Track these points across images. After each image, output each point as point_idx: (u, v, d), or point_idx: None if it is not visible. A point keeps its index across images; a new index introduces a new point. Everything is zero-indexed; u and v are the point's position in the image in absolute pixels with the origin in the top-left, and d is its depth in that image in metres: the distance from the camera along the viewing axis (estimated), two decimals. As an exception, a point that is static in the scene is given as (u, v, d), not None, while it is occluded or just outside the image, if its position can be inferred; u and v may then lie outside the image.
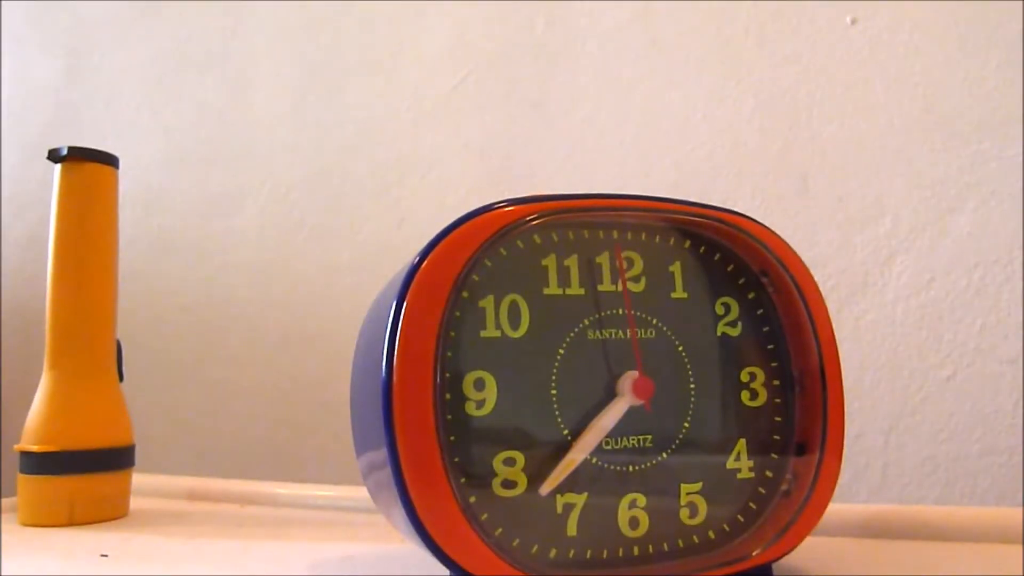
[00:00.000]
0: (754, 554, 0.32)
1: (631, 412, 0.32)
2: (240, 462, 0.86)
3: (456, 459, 0.29)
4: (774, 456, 0.34)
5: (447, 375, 0.29)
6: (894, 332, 0.65)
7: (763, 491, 0.34)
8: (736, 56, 0.71)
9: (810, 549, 0.40)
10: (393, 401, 0.28)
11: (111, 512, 0.51)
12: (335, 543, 0.45)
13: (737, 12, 0.72)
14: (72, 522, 0.49)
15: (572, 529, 0.31)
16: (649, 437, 0.32)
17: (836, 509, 0.45)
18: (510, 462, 0.30)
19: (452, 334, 0.30)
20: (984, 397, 0.62)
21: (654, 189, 0.55)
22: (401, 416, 0.28)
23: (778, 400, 0.34)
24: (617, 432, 0.31)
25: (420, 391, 0.28)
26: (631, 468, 0.32)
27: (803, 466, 0.34)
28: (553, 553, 0.30)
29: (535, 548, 0.30)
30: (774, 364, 0.35)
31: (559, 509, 0.31)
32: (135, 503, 0.54)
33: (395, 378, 0.28)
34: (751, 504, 0.33)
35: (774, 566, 0.33)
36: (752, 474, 0.34)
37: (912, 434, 0.64)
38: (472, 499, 0.29)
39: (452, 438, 0.29)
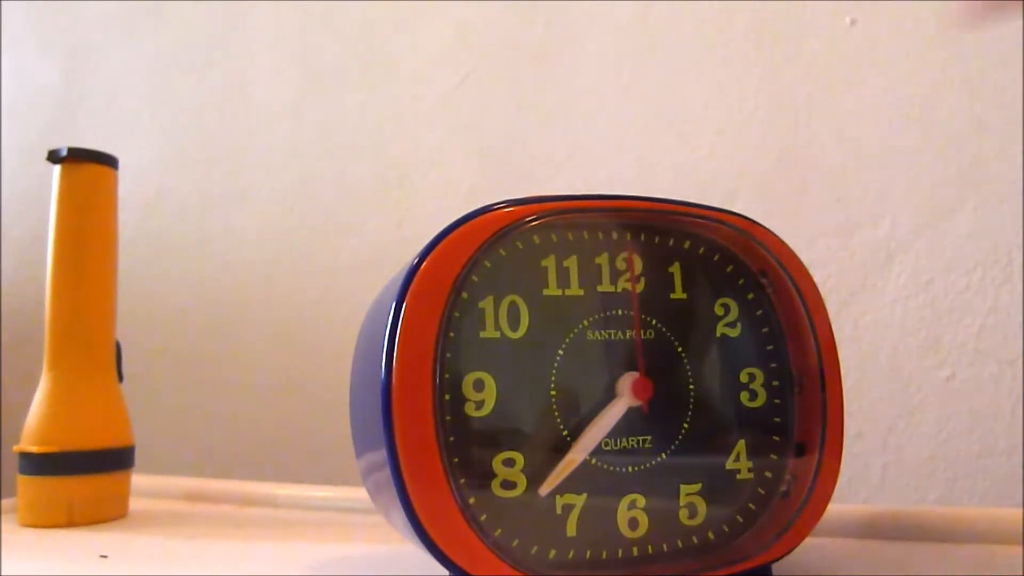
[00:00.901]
0: (753, 555, 0.32)
1: (630, 413, 0.32)
2: (239, 463, 0.86)
3: (456, 460, 0.29)
4: (773, 457, 0.34)
5: (446, 376, 0.29)
6: (893, 333, 0.65)
7: (762, 492, 0.34)
8: (736, 56, 0.71)
9: (810, 550, 0.40)
10: (392, 402, 0.28)
11: (110, 513, 0.51)
12: (334, 544, 0.45)
13: (737, 13, 0.72)
14: (71, 523, 0.49)
15: (571, 530, 0.31)
16: (648, 438, 0.32)
17: (836, 509, 0.46)
18: (509, 463, 0.30)
19: (451, 335, 0.30)
20: (983, 398, 0.62)
21: (654, 189, 0.55)
22: (400, 417, 0.28)
23: (777, 401, 0.34)
24: (616, 433, 0.31)
25: (419, 392, 0.28)
26: (630, 469, 0.32)
27: (802, 467, 0.33)
28: (552, 554, 0.30)
29: (534, 549, 0.30)
30: (773, 365, 0.35)
31: (558, 510, 0.31)
32: (134, 504, 0.54)
33: (394, 379, 0.28)
34: (750, 505, 0.33)
35: (773, 566, 0.33)
36: (751, 475, 0.33)
37: (911, 435, 0.64)
38: (471, 500, 0.29)
39: (451, 439, 0.29)
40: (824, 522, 0.45)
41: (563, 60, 0.78)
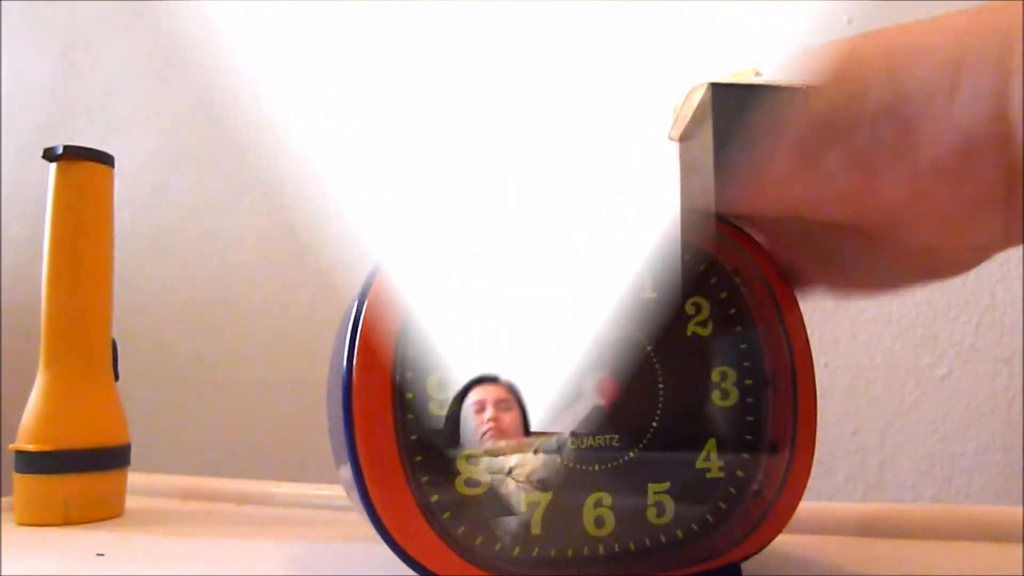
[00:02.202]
0: (722, 553, 0.32)
1: (598, 411, 0.32)
2: (236, 461, 0.87)
3: (418, 458, 0.29)
4: (745, 456, 0.34)
5: (408, 375, 0.30)
6: (890, 330, 0.64)
7: (733, 490, 0.33)
8: (732, 54, 0.71)
9: (806, 548, 0.40)
10: (352, 400, 0.28)
11: (107, 511, 0.52)
12: (332, 542, 0.45)
13: (732, 12, 0.72)
14: (68, 521, 0.50)
15: (536, 527, 0.31)
16: (616, 437, 0.32)
17: (832, 508, 0.45)
18: (474, 461, 0.30)
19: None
20: (980, 395, 0.61)
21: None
22: (360, 415, 0.28)
23: (750, 400, 0.34)
24: (583, 431, 0.31)
25: (379, 390, 0.28)
26: (597, 467, 0.32)
27: (774, 465, 0.33)
28: (517, 551, 0.30)
29: (498, 546, 0.30)
30: (747, 364, 0.34)
31: (523, 507, 0.31)
32: (131, 502, 0.55)
33: (354, 377, 0.28)
34: (721, 504, 0.33)
35: (743, 565, 0.33)
36: (722, 474, 0.33)
37: (908, 432, 0.63)
38: (434, 498, 0.29)
39: (414, 437, 0.29)
40: (821, 521, 0.45)
41: (561, 58, 0.78)
